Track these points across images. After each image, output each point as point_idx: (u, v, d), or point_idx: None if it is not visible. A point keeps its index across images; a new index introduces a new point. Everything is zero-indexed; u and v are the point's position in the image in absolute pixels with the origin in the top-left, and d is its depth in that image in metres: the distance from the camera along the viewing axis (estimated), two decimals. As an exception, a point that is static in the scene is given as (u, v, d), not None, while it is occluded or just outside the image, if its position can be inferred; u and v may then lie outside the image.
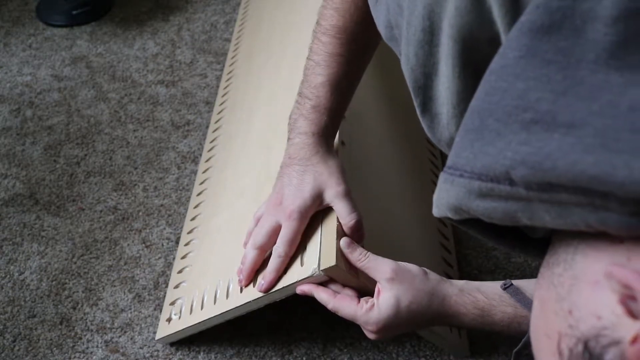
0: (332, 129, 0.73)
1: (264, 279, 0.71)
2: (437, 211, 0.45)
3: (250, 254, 0.73)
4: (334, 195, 0.70)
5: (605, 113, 0.33)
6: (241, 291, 0.75)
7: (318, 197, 0.70)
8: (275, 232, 0.71)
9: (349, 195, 0.70)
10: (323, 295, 0.68)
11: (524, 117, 0.35)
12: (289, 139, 0.74)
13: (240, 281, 0.74)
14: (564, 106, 0.34)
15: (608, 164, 0.31)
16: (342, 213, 0.69)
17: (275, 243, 0.71)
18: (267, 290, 0.71)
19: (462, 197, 0.40)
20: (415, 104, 0.48)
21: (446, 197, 0.42)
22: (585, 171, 0.32)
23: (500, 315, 0.64)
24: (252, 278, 0.73)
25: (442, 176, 0.42)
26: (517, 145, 0.35)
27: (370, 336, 0.67)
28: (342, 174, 0.71)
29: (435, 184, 1.13)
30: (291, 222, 0.69)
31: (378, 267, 0.66)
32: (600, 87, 0.33)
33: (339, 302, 0.67)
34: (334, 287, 0.69)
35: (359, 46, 0.71)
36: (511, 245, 0.48)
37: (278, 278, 0.71)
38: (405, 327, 0.67)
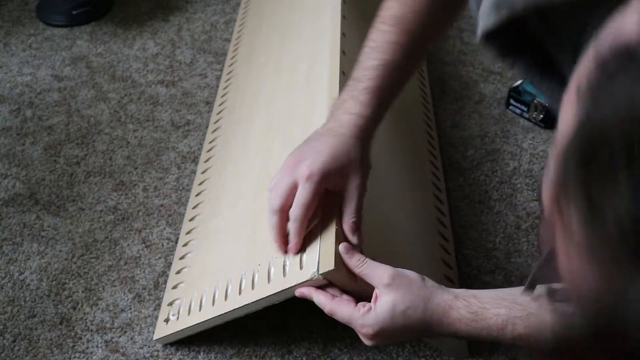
0: (376, 116, 0.71)
1: (290, 243, 0.70)
2: (485, 20, 0.42)
3: (272, 220, 0.69)
4: (354, 185, 0.68)
5: None
6: (240, 293, 0.75)
7: (341, 175, 0.67)
8: (292, 192, 0.67)
9: (364, 194, 0.69)
10: (321, 298, 0.67)
11: None
12: (332, 115, 0.71)
13: (279, 248, 0.71)
14: None
15: None
16: (349, 208, 0.68)
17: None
18: (295, 253, 0.69)
19: None
20: None
21: None
22: None
23: (494, 319, 0.63)
24: (285, 242, 0.70)
25: None
26: None
27: (366, 341, 0.66)
28: (368, 170, 0.70)
29: (435, 185, 1.13)
30: (309, 184, 0.66)
31: (375, 273, 0.65)
32: None
33: (336, 305, 0.66)
34: (332, 291, 0.68)
35: (416, 37, 0.71)
36: (535, 72, 0.46)
37: (302, 241, 0.69)
38: (400, 334, 0.66)
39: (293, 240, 0.69)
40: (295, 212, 0.67)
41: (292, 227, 0.68)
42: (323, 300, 0.67)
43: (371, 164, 0.71)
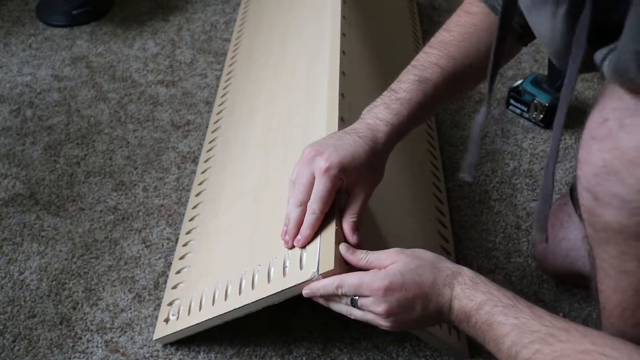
0: (403, 127, 0.72)
1: (301, 235, 0.70)
2: None
3: (294, 213, 0.69)
4: (366, 187, 0.68)
5: None
6: (240, 293, 0.75)
7: (357, 172, 0.67)
8: (313, 184, 0.68)
9: (369, 197, 0.69)
10: (324, 281, 0.66)
11: None
12: (360, 118, 0.72)
13: (286, 242, 0.71)
14: None
15: None
16: (355, 205, 0.68)
17: None
18: (303, 246, 0.69)
19: None
20: None
21: None
22: None
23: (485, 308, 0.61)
24: (296, 237, 0.71)
25: None
26: None
27: (376, 306, 0.63)
28: (383, 171, 0.70)
29: (435, 185, 1.13)
30: (326, 177, 0.66)
31: (382, 255, 0.65)
32: None
33: (344, 275, 0.65)
34: None
35: (458, 64, 0.73)
36: None
37: (314, 235, 0.69)
38: (412, 294, 0.63)
39: (305, 232, 0.69)
40: (313, 205, 0.67)
41: (308, 219, 0.68)
42: (327, 280, 0.66)
43: (384, 173, 0.72)
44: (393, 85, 0.73)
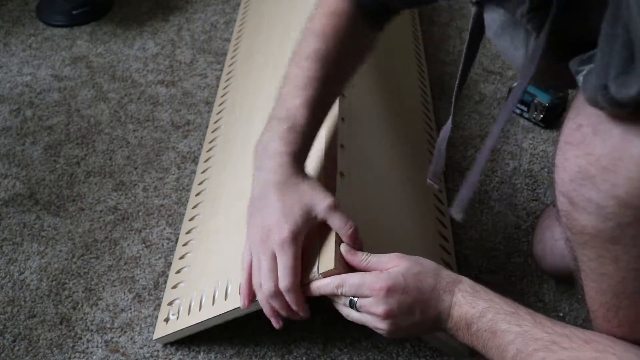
0: (305, 152, 0.71)
1: (299, 311, 0.68)
2: None
3: (276, 303, 0.68)
4: (326, 209, 0.66)
5: None
6: (240, 293, 0.75)
7: (308, 215, 0.66)
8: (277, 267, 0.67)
9: (338, 206, 0.68)
10: (325, 280, 0.66)
11: None
12: (257, 167, 0.70)
13: (277, 323, 0.70)
14: None
15: None
16: (339, 225, 0.67)
17: None
18: (304, 318, 0.69)
19: None
20: None
21: None
22: None
23: (488, 316, 0.62)
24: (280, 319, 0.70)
25: None
26: None
27: (376, 307, 0.62)
28: (323, 187, 0.69)
29: (434, 184, 1.11)
30: (285, 251, 0.65)
31: (384, 258, 0.65)
32: None
33: (346, 275, 0.65)
34: None
35: (339, 70, 0.72)
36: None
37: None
38: (412, 298, 0.63)
39: (299, 309, 0.67)
40: (284, 282, 0.65)
41: (290, 299, 0.67)
42: (328, 280, 0.66)
43: (310, 176, 0.70)
44: (279, 113, 0.71)
